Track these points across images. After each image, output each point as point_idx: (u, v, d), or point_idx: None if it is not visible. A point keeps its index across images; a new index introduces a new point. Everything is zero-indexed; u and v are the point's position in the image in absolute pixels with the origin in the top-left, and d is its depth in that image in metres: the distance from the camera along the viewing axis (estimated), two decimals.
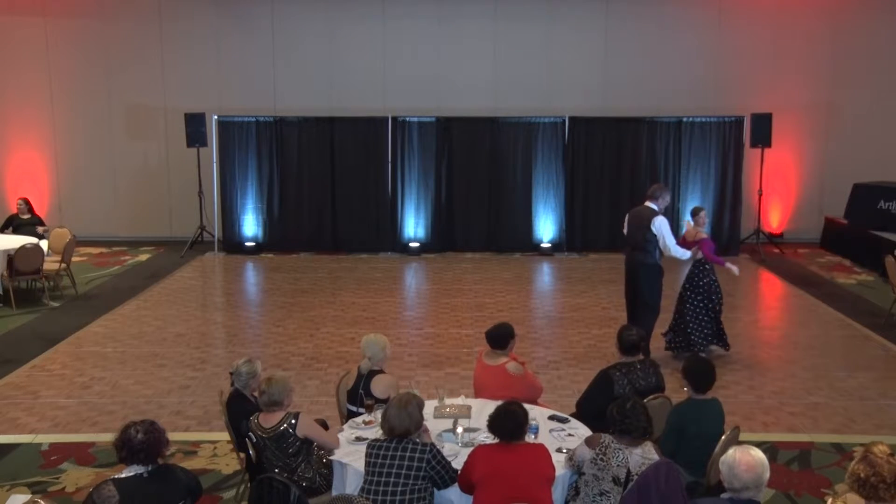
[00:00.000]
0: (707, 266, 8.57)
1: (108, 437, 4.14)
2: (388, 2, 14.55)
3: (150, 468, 4.03)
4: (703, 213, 8.71)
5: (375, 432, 5.06)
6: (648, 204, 8.33)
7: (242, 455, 5.52)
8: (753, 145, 13.74)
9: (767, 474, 3.78)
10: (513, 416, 4.57)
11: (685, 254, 8.33)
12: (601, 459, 4.50)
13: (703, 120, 13.90)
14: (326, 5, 14.54)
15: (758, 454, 3.79)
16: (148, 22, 14.64)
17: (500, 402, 4.75)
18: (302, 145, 14.07)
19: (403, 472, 4.47)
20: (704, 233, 8.61)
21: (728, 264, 8.53)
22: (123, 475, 4.01)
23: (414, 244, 14.06)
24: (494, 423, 4.59)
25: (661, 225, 8.21)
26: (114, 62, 14.73)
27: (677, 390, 5.77)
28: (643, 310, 8.44)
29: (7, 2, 14.59)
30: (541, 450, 4.64)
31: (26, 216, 12.65)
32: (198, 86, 14.64)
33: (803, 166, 14.84)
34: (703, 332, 8.58)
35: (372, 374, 5.73)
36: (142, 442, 3.99)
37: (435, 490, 4.59)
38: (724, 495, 3.85)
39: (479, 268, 13.10)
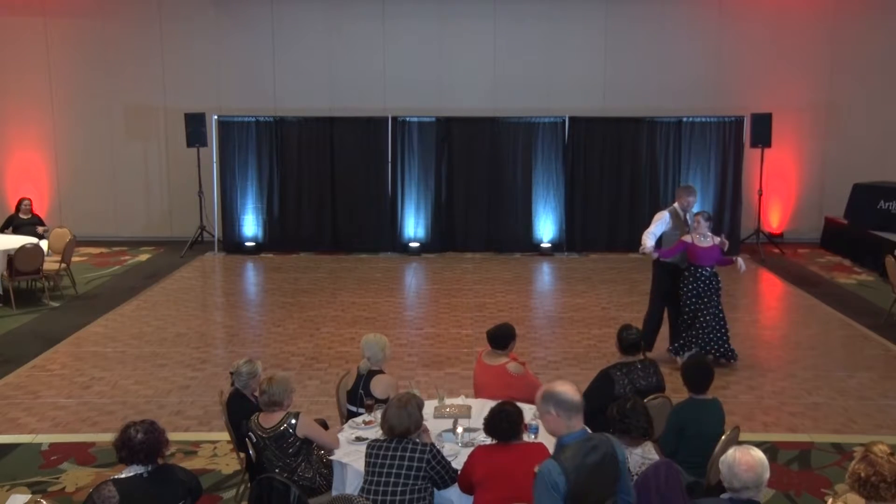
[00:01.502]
0: (686, 273, 8.52)
1: (108, 437, 4.13)
2: (388, 2, 14.55)
3: (149, 468, 4.02)
4: (696, 217, 8.51)
5: (375, 432, 5.06)
6: (674, 204, 8.77)
7: (242, 455, 5.52)
8: (753, 145, 13.74)
9: (767, 474, 3.78)
10: (507, 417, 4.57)
11: (646, 246, 8.44)
12: None
13: (703, 120, 13.90)
14: (326, 5, 14.54)
15: (758, 454, 3.79)
16: (148, 22, 14.64)
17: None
18: (302, 145, 14.06)
19: (403, 472, 4.46)
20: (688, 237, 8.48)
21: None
22: (123, 475, 4.01)
23: (414, 244, 14.06)
24: (490, 425, 4.59)
25: (656, 216, 8.63)
26: (114, 62, 14.73)
27: (677, 390, 5.77)
28: (650, 304, 8.86)
29: (7, 2, 14.59)
30: (541, 449, 4.64)
31: (27, 216, 12.67)
32: (198, 86, 14.64)
33: (803, 166, 14.84)
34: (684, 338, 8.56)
35: (371, 374, 5.73)
36: (142, 442, 3.98)
37: (435, 490, 4.59)
38: (724, 495, 3.85)
39: (479, 268, 13.10)
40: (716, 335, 8.40)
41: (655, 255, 8.50)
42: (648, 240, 8.50)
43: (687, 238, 8.43)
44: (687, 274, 8.46)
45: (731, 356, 8.51)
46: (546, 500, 3.56)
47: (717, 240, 8.44)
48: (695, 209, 8.92)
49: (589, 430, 3.86)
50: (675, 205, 8.74)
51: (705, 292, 8.36)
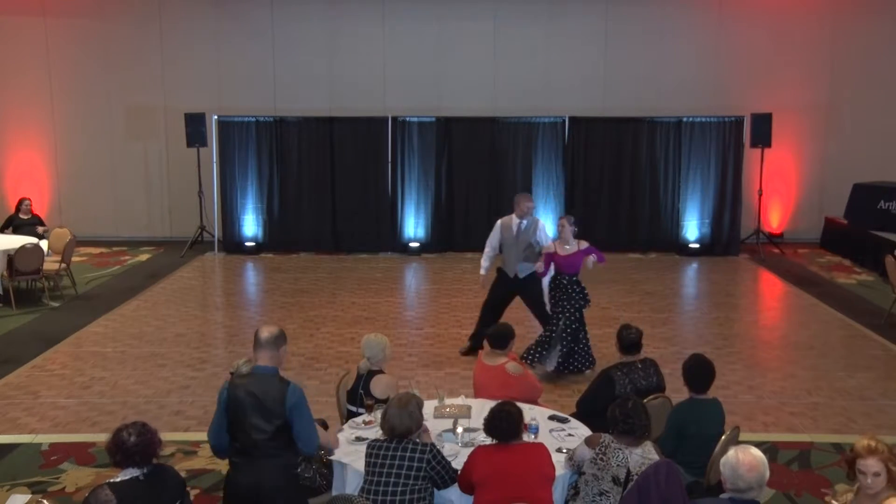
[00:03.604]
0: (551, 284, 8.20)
1: (107, 438, 4.11)
2: (388, 2, 14.54)
3: (145, 470, 4.00)
4: (560, 222, 8.17)
5: (375, 432, 5.06)
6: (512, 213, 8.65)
7: None
8: (753, 145, 13.74)
9: (768, 473, 3.80)
10: (507, 417, 4.57)
11: (481, 277, 8.91)
12: (601, 459, 4.50)
13: (703, 120, 13.90)
14: (326, 5, 14.54)
15: (758, 453, 3.79)
16: (148, 22, 14.64)
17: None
18: (302, 145, 14.06)
19: (403, 472, 4.46)
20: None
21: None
22: (119, 479, 3.98)
23: (414, 244, 14.06)
24: (490, 425, 4.60)
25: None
26: (114, 62, 14.73)
27: (677, 390, 5.77)
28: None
29: (7, 2, 14.59)
30: (540, 449, 4.64)
31: (27, 216, 12.67)
32: (198, 86, 14.64)
33: (803, 166, 14.83)
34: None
35: (371, 374, 5.73)
36: (135, 444, 3.95)
37: (435, 490, 4.59)
38: (723, 495, 3.85)
39: (479, 268, 13.03)
40: (568, 345, 7.96)
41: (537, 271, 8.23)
42: (483, 263, 8.77)
43: (550, 247, 8.10)
44: (553, 284, 8.09)
45: (588, 364, 8.14)
46: (218, 406, 4.55)
47: (584, 245, 7.99)
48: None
49: (272, 366, 4.55)
50: (514, 213, 8.52)
51: (563, 300, 7.98)
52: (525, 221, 8.47)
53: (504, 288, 8.65)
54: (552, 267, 8.17)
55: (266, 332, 4.61)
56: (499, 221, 8.71)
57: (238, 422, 4.46)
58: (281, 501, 4.51)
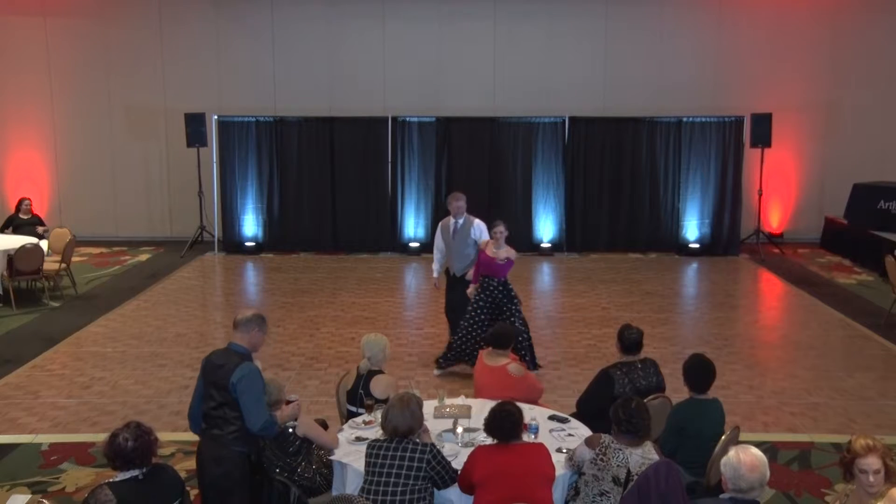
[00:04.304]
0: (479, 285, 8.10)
1: (104, 442, 4.09)
2: (388, 2, 14.54)
3: (144, 469, 4.01)
4: (498, 228, 8.00)
5: (375, 432, 5.06)
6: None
7: None
8: (753, 145, 13.73)
9: (768, 472, 3.80)
10: (508, 417, 4.57)
11: (433, 279, 8.93)
12: (601, 459, 4.50)
13: (703, 120, 13.90)
14: (326, 5, 14.54)
15: (757, 453, 3.80)
16: (148, 22, 14.64)
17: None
18: (302, 145, 14.07)
19: (403, 472, 4.46)
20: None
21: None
22: (119, 479, 3.98)
23: (414, 244, 14.06)
24: (491, 425, 4.60)
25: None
26: (114, 62, 14.73)
27: (678, 390, 5.77)
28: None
29: (7, 2, 14.59)
30: (541, 450, 4.64)
31: (27, 216, 12.67)
32: (198, 86, 14.64)
33: (803, 166, 14.83)
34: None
35: (371, 374, 5.73)
36: (134, 449, 3.95)
37: (435, 490, 4.59)
38: (724, 495, 3.85)
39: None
40: (522, 344, 7.89)
41: (472, 290, 8.09)
42: (434, 266, 8.79)
43: (483, 244, 8.09)
44: (485, 285, 7.98)
45: (533, 365, 8.05)
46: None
47: (509, 253, 7.93)
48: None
49: (243, 347, 4.73)
50: (450, 215, 8.64)
51: (501, 303, 7.90)
52: (460, 220, 8.58)
53: (451, 287, 8.68)
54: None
55: (240, 315, 4.81)
56: (440, 223, 8.83)
57: (204, 389, 4.76)
58: (216, 472, 4.61)
